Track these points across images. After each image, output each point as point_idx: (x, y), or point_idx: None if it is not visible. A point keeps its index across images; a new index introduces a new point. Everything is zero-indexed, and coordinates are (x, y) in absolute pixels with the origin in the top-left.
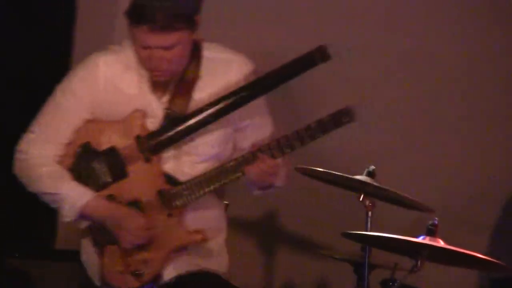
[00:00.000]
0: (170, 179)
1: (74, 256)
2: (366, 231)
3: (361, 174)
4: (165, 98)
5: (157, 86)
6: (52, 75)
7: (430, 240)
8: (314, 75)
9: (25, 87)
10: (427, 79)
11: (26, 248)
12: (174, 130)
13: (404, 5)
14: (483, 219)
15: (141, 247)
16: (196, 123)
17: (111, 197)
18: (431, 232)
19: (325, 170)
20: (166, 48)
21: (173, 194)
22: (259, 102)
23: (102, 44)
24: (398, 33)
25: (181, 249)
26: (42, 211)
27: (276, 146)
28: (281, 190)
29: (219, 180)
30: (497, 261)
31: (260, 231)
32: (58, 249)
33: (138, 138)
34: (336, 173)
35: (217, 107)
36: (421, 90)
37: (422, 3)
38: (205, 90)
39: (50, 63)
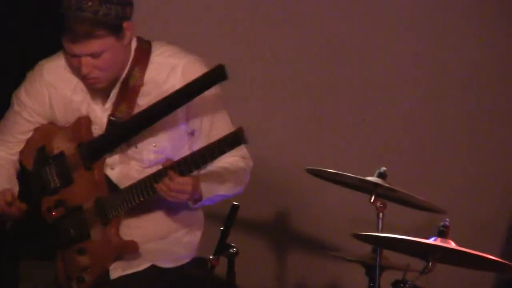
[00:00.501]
0: (112, 187)
1: None
2: (377, 232)
3: (372, 175)
4: (108, 105)
5: (100, 93)
6: None
7: (441, 241)
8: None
9: None
10: (439, 80)
11: (40, 250)
12: (113, 137)
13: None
14: (494, 220)
15: (81, 254)
16: (131, 128)
17: (59, 202)
18: (442, 233)
19: (336, 172)
20: (93, 56)
21: (108, 203)
22: (208, 105)
23: None
24: (407, 34)
25: (117, 258)
26: None
27: (183, 164)
28: (292, 191)
29: (142, 193)
30: (509, 263)
31: (272, 233)
32: None
33: (79, 145)
34: (347, 174)
35: (149, 112)
36: (433, 91)
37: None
38: (149, 96)
39: None
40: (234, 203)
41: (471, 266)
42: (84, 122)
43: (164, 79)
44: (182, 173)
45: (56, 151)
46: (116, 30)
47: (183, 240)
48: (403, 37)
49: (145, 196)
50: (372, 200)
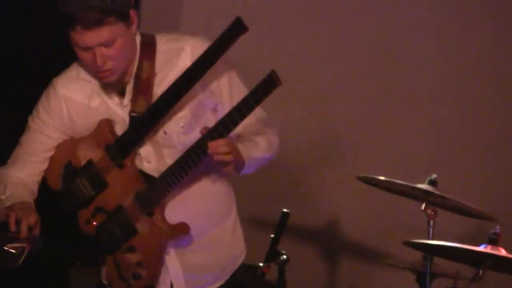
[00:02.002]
0: (147, 178)
1: None
2: (428, 239)
3: (423, 182)
4: (126, 102)
5: (116, 92)
6: None
7: (492, 249)
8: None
9: None
10: (490, 83)
11: (88, 257)
12: (135, 129)
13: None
14: None
15: (131, 251)
16: (155, 115)
17: (99, 209)
18: (493, 241)
19: (387, 179)
20: (107, 45)
21: (148, 193)
22: (221, 75)
23: None
24: (456, 38)
25: (170, 242)
26: None
27: (221, 125)
28: (343, 199)
29: (184, 170)
30: None
31: (322, 240)
32: None
33: (107, 147)
34: (398, 181)
35: (164, 95)
36: (484, 96)
37: None
38: (163, 84)
39: None
40: (285, 210)
41: None
42: (106, 124)
43: (175, 63)
44: (221, 135)
45: (83, 162)
46: (124, 17)
47: (235, 229)
48: (453, 41)
49: (187, 170)
50: (423, 208)
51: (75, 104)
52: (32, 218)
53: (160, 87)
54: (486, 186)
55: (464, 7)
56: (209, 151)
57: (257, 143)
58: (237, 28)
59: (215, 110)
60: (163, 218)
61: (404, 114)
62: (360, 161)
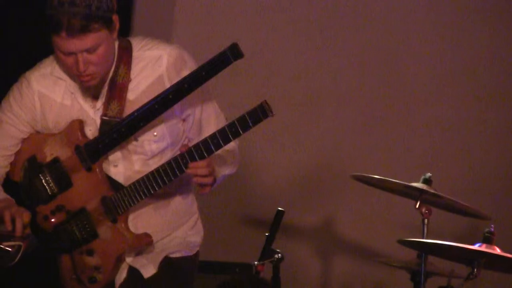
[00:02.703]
0: (114, 184)
1: None
2: (423, 238)
3: (417, 181)
4: (99, 105)
5: (90, 94)
6: None
7: (486, 247)
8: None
9: None
10: (484, 84)
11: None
12: (110, 136)
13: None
14: None
15: (90, 254)
16: (128, 128)
17: (60, 207)
18: (487, 239)
19: (381, 178)
20: (89, 51)
21: (114, 201)
22: (196, 93)
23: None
24: (452, 39)
25: (129, 252)
26: None
27: (204, 145)
28: (337, 197)
29: (157, 184)
30: None
31: (317, 238)
32: None
33: (76, 148)
34: (393, 180)
35: (145, 111)
36: (477, 96)
37: None
38: (137, 90)
39: None
40: (279, 208)
41: None
42: (78, 125)
43: (150, 71)
44: (202, 156)
45: (49, 158)
46: (108, 23)
47: (193, 229)
48: (447, 41)
49: (160, 185)
50: (417, 206)
51: (48, 101)
52: (26, 216)
53: (134, 93)
54: (481, 185)
55: (461, 8)
56: (190, 171)
57: (225, 160)
58: (231, 54)
59: (184, 120)
60: (127, 226)
61: (399, 114)
62: (355, 160)
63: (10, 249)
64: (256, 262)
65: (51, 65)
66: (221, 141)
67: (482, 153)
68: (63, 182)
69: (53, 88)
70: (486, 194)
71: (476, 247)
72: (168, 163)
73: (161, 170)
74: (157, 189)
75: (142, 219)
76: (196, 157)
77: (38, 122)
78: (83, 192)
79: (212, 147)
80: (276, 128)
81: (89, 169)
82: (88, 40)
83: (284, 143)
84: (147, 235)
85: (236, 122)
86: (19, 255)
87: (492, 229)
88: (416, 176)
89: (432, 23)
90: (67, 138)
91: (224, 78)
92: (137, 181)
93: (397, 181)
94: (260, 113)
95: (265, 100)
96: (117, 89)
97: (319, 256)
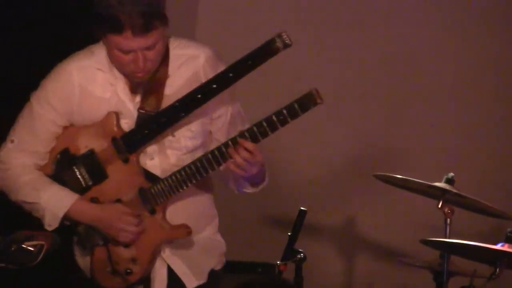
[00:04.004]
0: (150, 176)
1: None
2: (445, 238)
3: (440, 181)
4: (138, 98)
5: (128, 87)
6: None
7: (509, 247)
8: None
9: None
10: (507, 84)
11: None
12: (147, 129)
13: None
14: None
15: (126, 246)
16: (167, 120)
17: (94, 200)
18: (510, 239)
19: (404, 177)
20: (149, 48)
21: (153, 192)
22: (227, 93)
23: None
24: (476, 38)
25: (167, 242)
26: None
27: (250, 134)
28: (360, 197)
29: (199, 173)
30: None
31: (339, 238)
32: None
33: (113, 139)
34: (415, 180)
35: (185, 102)
36: (500, 95)
37: None
38: (175, 86)
39: None
40: (302, 208)
41: None
42: (114, 117)
43: (187, 68)
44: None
45: (83, 150)
46: (165, 19)
47: (217, 233)
48: (471, 41)
49: (203, 174)
50: (440, 206)
51: (87, 93)
52: None
53: (171, 89)
54: (503, 184)
55: (487, 5)
56: (232, 151)
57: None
58: (280, 43)
59: (213, 121)
60: (165, 217)
61: (421, 113)
62: (377, 160)
63: (32, 249)
64: (278, 262)
65: (90, 57)
66: (268, 129)
67: (505, 153)
68: (98, 174)
69: (93, 80)
70: (509, 193)
71: (498, 247)
72: (211, 151)
73: (203, 159)
74: (199, 178)
75: (175, 213)
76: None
77: (74, 114)
78: (118, 184)
79: (259, 135)
80: (299, 127)
81: (125, 161)
82: (150, 38)
83: (307, 142)
84: (185, 226)
85: (284, 110)
86: (41, 255)
87: None
88: (439, 175)
89: (455, 20)
90: (103, 130)
91: (250, 76)
92: (178, 171)
93: (419, 180)
94: (309, 100)
95: (315, 88)
96: (155, 84)
97: (342, 256)
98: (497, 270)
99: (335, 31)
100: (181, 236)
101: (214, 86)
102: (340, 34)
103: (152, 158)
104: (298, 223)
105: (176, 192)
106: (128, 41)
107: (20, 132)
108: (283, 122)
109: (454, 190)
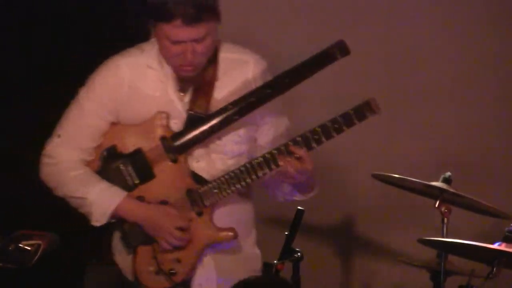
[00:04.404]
0: (197, 178)
1: None
2: (442, 237)
3: (437, 180)
4: (187, 99)
5: (178, 86)
6: None
7: (506, 246)
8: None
9: None
10: (504, 83)
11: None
12: (198, 130)
13: None
14: None
15: (173, 246)
16: (219, 122)
17: (140, 199)
18: (507, 238)
19: (401, 177)
20: (198, 41)
21: (201, 193)
22: (279, 100)
23: None
24: (473, 37)
25: (212, 245)
26: None
27: (304, 141)
28: (357, 196)
29: (249, 176)
30: None
31: (337, 237)
32: None
33: (163, 139)
34: (413, 179)
35: (239, 106)
36: (498, 94)
37: None
38: (224, 89)
39: None
40: (299, 207)
41: None
42: (164, 116)
43: (237, 73)
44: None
45: (131, 149)
46: (217, 14)
47: (254, 250)
48: (469, 40)
49: (254, 178)
50: (437, 205)
51: (137, 90)
52: None
53: (220, 92)
54: (501, 183)
55: (485, 5)
56: (283, 156)
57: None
58: (339, 51)
59: (259, 128)
60: (212, 219)
61: (420, 112)
62: (374, 159)
63: (29, 248)
64: (276, 261)
65: (141, 55)
66: (323, 137)
67: (502, 152)
68: (145, 173)
69: (143, 78)
70: (506, 193)
71: (496, 246)
72: (263, 156)
73: (254, 163)
74: (249, 181)
75: (219, 218)
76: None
77: (121, 111)
78: (165, 184)
79: (313, 142)
80: (295, 126)
81: (174, 161)
82: (200, 30)
83: None
84: (232, 229)
85: (339, 118)
86: (38, 254)
87: None
88: (436, 175)
89: (453, 21)
90: (152, 129)
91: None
92: (228, 174)
93: (417, 180)
94: (366, 109)
95: (373, 97)
96: (204, 86)
97: (339, 255)
98: (495, 269)
99: (335, 30)
100: (227, 240)
101: (269, 91)
102: (340, 34)
103: (198, 161)
104: (296, 223)
105: (225, 195)
106: (178, 30)
107: (67, 127)
108: (338, 130)
109: (452, 190)
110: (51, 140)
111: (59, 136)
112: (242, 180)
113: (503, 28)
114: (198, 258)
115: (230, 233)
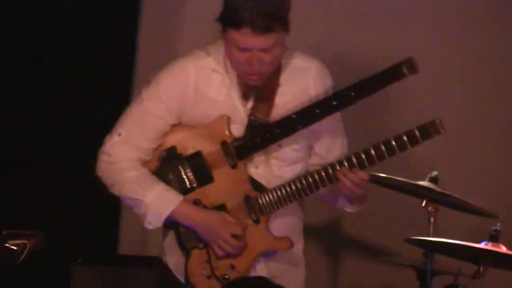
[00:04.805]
0: (256, 185)
1: (137, 261)
2: (429, 237)
3: (424, 179)
4: (249, 104)
5: (242, 92)
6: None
7: (492, 246)
8: None
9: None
10: (491, 82)
11: (89, 254)
12: (261, 137)
13: None
14: None
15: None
16: (282, 131)
17: (197, 202)
18: (493, 238)
19: (388, 176)
20: (265, 50)
21: (260, 201)
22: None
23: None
24: (458, 37)
25: (267, 253)
26: (105, 217)
27: (366, 155)
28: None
29: (310, 188)
30: None
31: (323, 238)
32: (121, 254)
33: (224, 143)
34: (399, 178)
35: (303, 116)
36: (484, 94)
37: None
38: (285, 96)
39: (115, 66)
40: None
41: None
42: (226, 121)
43: (298, 80)
44: (363, 166)
45: (191, 151)
46: (287, 24)
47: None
48: (454, 39)
49: (313, 190)
50: (423, 205)
51: (202, 93)
52: None
53: (281, 98)
54: (487, 183)
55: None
56: (345, 183)
57: None
58: (407, 68)
59: (317, 133)
60: (268, 227)
61: (405, 111)
62: None
63: (15, 248)
64: None
65: (207, 58)
66: (385, 153)
67: (489, 151)
68: (204, 176)
69: (208, 82)
70: (492, 192)
71: (482, 245)
72: (324, 169)
73: (315, 174)
74: (308, 194)
75: (274, 225)
76: (356, 165)
77: (184, 113)
78: (223, 189)
79: (376, 158)
80: None
81: (234, 166)
82: (269, 40)
83: None
84: (287, 239)
85: (404, 135)
86: (24, 254)
87: (498, 228)
88: (423, 174)
89: (454, 21)
90: (213, 133)
91: None
92: (288, 184)
93: (403, 179)
94: (431, 129)
95: (439, 117)
96: (267, 92)
97: (326, 255)
98: (481, 268)
99: (334, 28)
100: (282, 248)
101: (335, 103)
102: (340, 33)
103: (257, 167)
104: None
105: (283, 205)
106: (246, 37)
107: (128, 125)
108: (402, 148)
109: (438, 189)
110: (111, 137)
111: (119, 134)
112: (303, 194)
113: (504, 28)
114: (252, 264)
115: (287, 243)
